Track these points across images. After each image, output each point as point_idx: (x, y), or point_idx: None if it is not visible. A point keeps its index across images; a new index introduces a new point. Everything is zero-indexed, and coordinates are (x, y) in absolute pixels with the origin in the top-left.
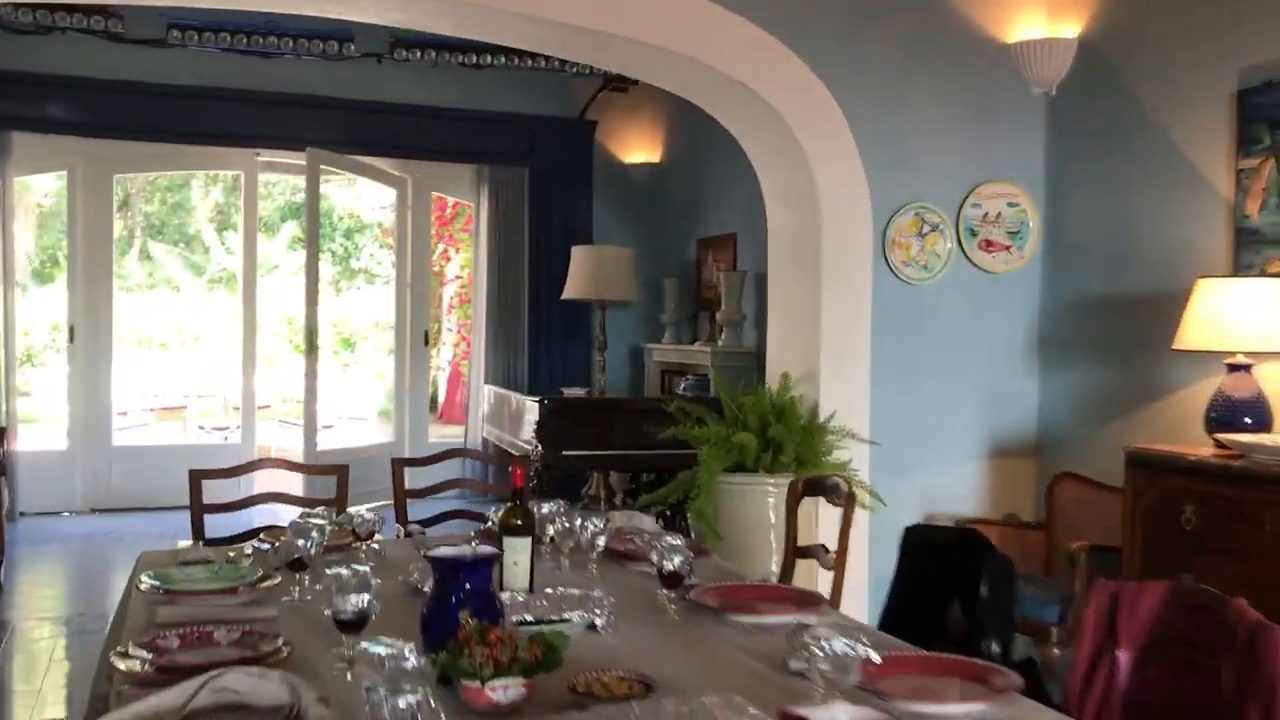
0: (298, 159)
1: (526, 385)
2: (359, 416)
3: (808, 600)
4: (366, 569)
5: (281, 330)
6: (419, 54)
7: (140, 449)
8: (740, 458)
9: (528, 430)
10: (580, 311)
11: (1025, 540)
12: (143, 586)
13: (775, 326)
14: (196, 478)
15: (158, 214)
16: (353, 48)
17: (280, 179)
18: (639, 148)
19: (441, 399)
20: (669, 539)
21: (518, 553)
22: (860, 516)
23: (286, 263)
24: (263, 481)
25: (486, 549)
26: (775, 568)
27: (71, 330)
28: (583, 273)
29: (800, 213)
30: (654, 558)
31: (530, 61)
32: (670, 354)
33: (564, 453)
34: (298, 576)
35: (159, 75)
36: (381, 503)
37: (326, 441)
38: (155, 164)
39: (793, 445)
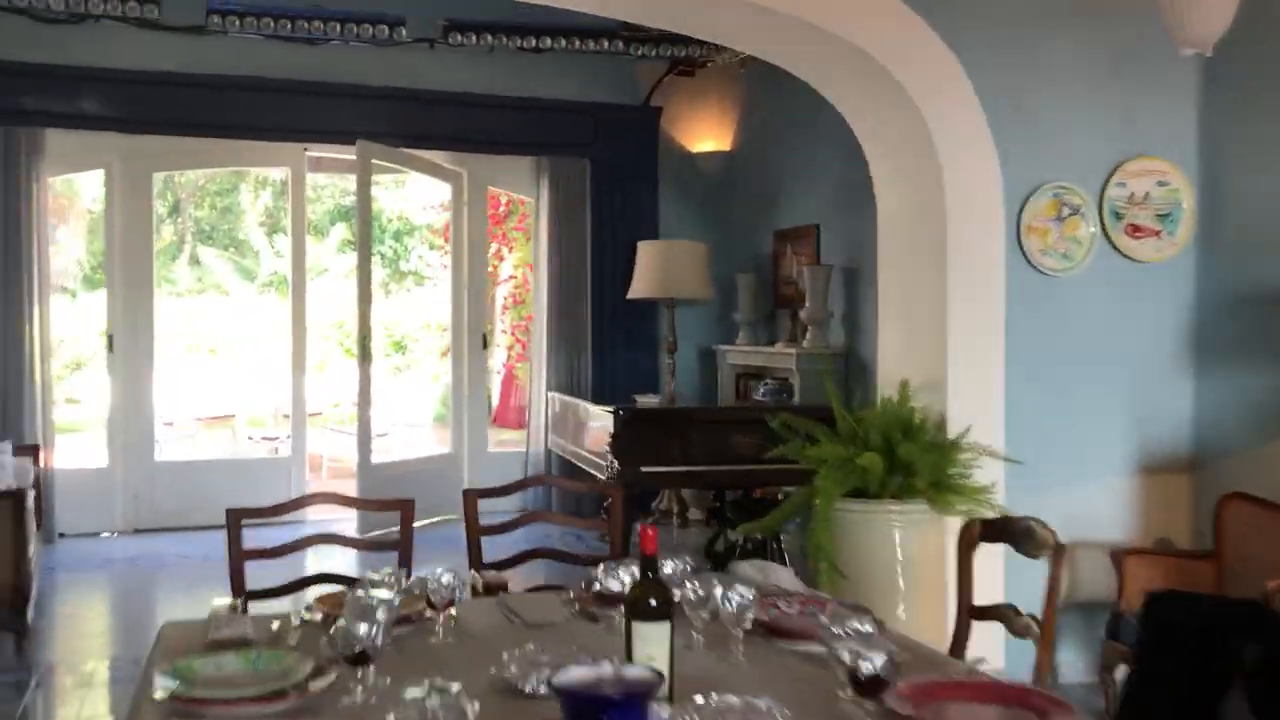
0: (347, 153)
1: (590, 391)
2: (414, 423)
3: (1055, 710)
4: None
5: (331, 334)
6: (474, 38)
7: (184, 465)
8: (862, 481)
9: (599, 443)
10: (646, 312)
11: (1187, 571)
12: (158, 694)
13: (889, 327)
14: (235, 520)
15: (207, 219)
16: (404, 32)
17: (329, 182)
18: (707, 135)
19: (495, 402)
20: (854, 622)
21: (652, 644)
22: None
23: (336, 266)
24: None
25: (638, 675)
26: (902, 614)
27: (110, 339)
28: (650, 270)
29: (921, 196)
30: (842, 655)
31: (592, 44)
32: (746, 356)
33: (643, 469)
34: (360, 674)
35: (199, 65)
36: (441, 518)
37: (381, 451)
38: (197, 160)
39: (926, 467)
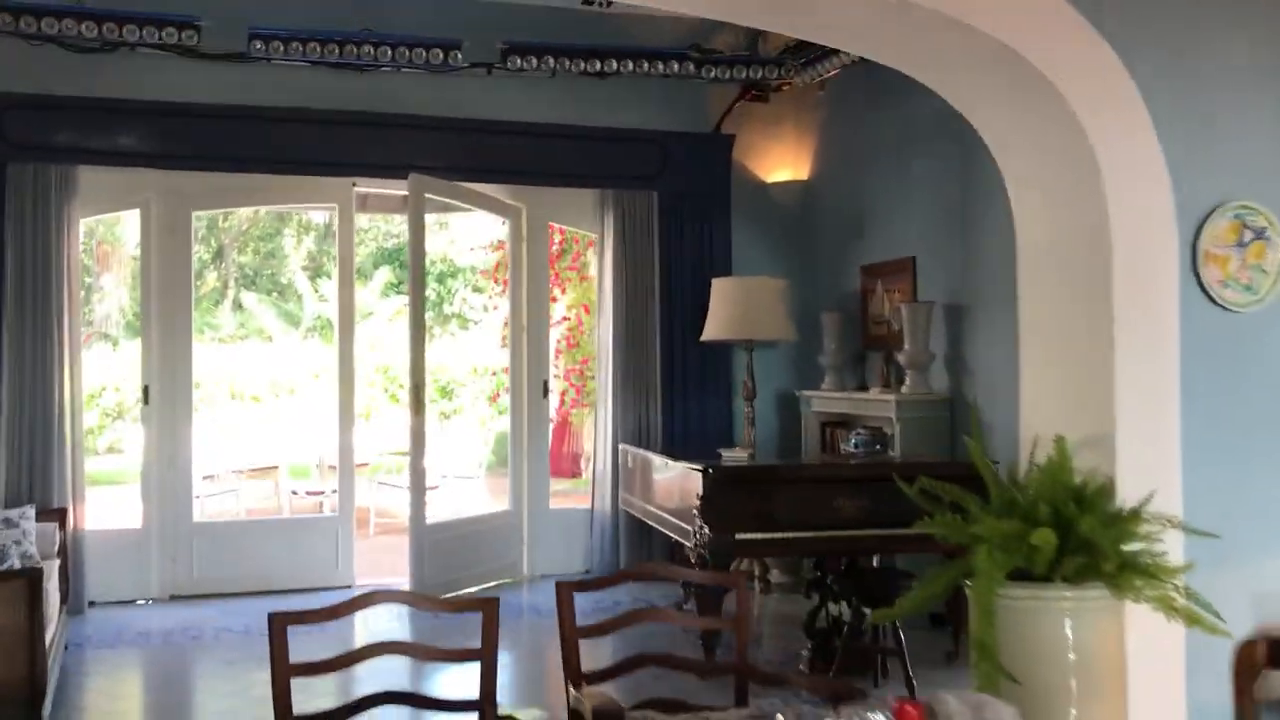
0: (398, 188)
1: (659, 441)
2: (464, 474)
3: None
4: None
5: (377, 380)
6: (534, 62)
7: (224, 526)
8: (1027, 562)
9: (682, 504)
10: (720, 355)
11: None
12: None
13: (1034, 375)
14: (280, 627)
15: (251, 264)
16: (460, 56)
17: (372, 225)
18: (783, 164)
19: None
20: None
21: None
22: (1167, 632)
23: (380, 310)
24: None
25: None
26: None
27: (146, 391)
28: (726, 309)
29: (1079, 222)
30: None
31: (661, 67)
32: (833, 403)
33: (737, 536)
34: None
35: (240, 96)
36: (500, 581)
37: (434, 508)
38: (239, 198)
39: (1109, 544)
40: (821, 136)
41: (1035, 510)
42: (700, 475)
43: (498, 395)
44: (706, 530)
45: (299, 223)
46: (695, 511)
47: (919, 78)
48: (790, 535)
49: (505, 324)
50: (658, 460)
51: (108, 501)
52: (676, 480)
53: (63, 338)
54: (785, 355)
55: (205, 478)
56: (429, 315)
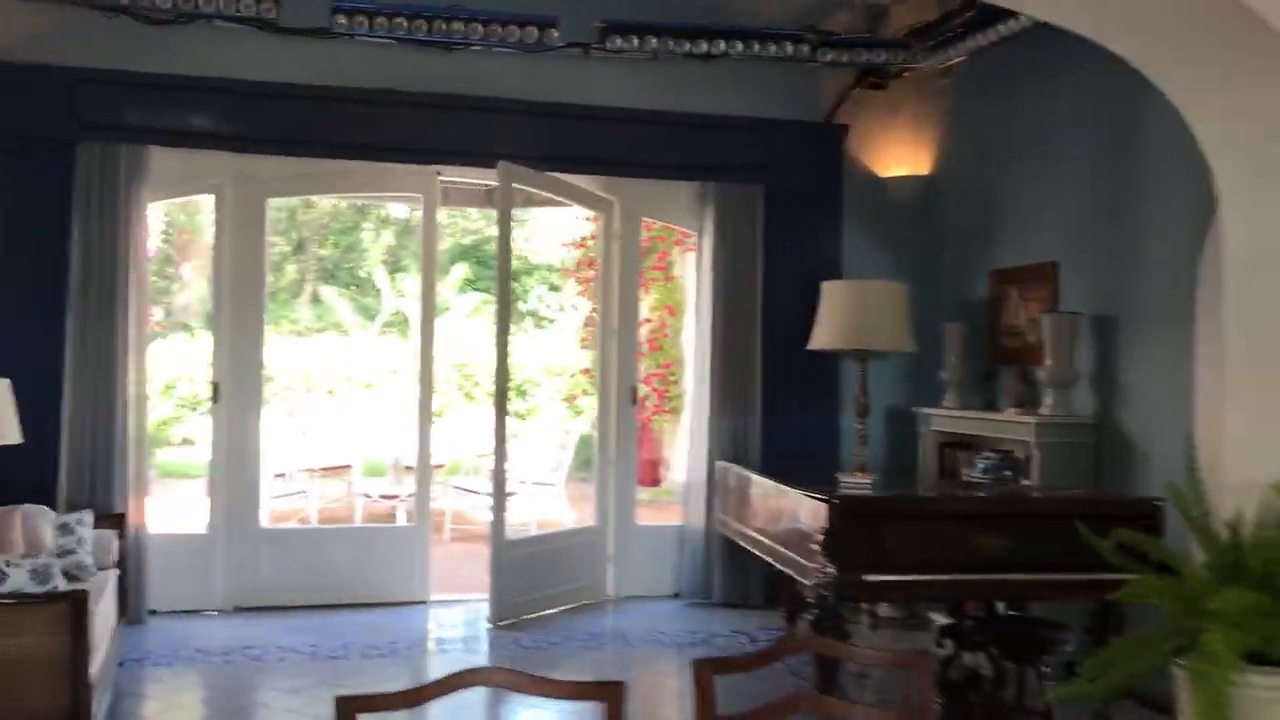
0: (484, 177)
1: (758, 458)
2: (543, 481)
3: None
4: None
5: (452, 377)
6: (634, 42)
7: (292, 533)
8: (1264, 642)
9: (797, 534)
10: (826, 366)
11: None
12: None
13: (1244, 409)
14: (348, 714)
15: (330, 257)
16: (555, 35)
17: (450, 220)
18: (901, 158)
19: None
20: None
21: None
22: None
23: (456, 306)
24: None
25: None
26: None
27: (215, 389)
28: (839, 315)
29: None
30: None
31: (772, 48)
32: (955, 422)
33: (864, 578)
34: None
35: (321, 76)
36: (582, 603)
37: (513, 515)
38: (317, 185)
39: None
40: (946, 128)
41: (1274, 577)
42: (824, 506)
43: (575, 397)
44: (831, 569)
45: (378, 216)
46: (816, 547)
47: (1112, 46)
48: (926, 578)
49: (584, 324)
50: (768, 484)
51: (174, 501)
52: (791, 509)
53: (129, 329)
54: (897, 368)
55: (276, 475)
56: None
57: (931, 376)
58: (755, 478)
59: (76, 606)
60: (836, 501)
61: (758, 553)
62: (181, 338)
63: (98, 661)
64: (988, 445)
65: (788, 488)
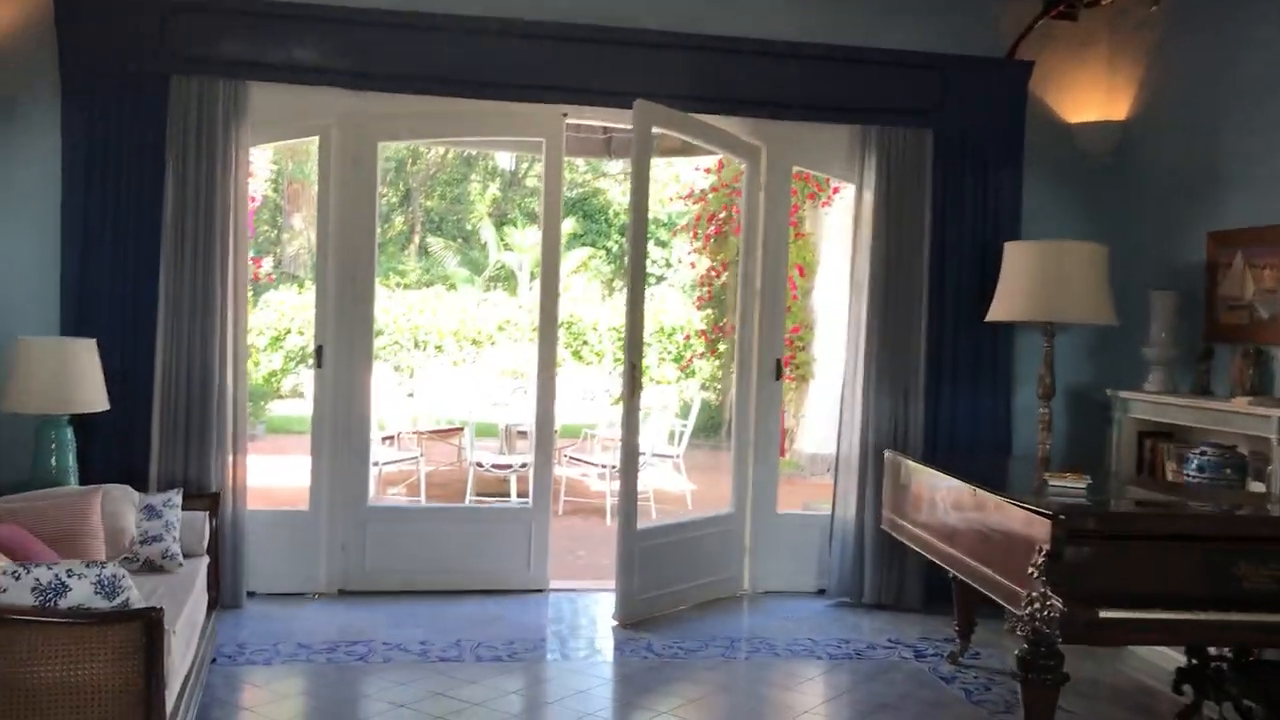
0: (614, 118)
1: (919, 443)
2: (662, 453)
3: None
4: None
5: (560, 334)
6: None
7: (401, 512)
8: None
9: (1002, 552)
10: (999, 339)
11: None
12: None
13: None
14: None
15: (437, 209)
16: None
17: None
18: (1093, 100)
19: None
20: None
21: None
22: None
23: (564, 262)
24: None
25: None
26: None
27: (319, 352)
28: (1024, 281)
29: None
30: None
31: None
32: (1162, 410)
33: (1101, 615)
34: None
35: (441, 3)
36: (716, 597)
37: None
38: (432, 127)
39: None
40: (1150, 65)
41: None
42: (1046, 521)
43: (689, 360)
44: (1055, 601)
45: (485, 168)
46: (1033, 571)
47: None
48: (1179, 617)
49: (700, 283)
50: (955, 485)
51: (281, 464)
52: (996, 520)
53: (228, 283)
54: (1083, 343)
55: (385, 439)
56: (610, 269)
57: (1125, 354)
58: (937, 474)
59: (150, 630)
60: (1063, 517)
61: (939, 562)
62: (291, 290)
63: (177, 687)
64: (1202, 438)
65: (986, 493)
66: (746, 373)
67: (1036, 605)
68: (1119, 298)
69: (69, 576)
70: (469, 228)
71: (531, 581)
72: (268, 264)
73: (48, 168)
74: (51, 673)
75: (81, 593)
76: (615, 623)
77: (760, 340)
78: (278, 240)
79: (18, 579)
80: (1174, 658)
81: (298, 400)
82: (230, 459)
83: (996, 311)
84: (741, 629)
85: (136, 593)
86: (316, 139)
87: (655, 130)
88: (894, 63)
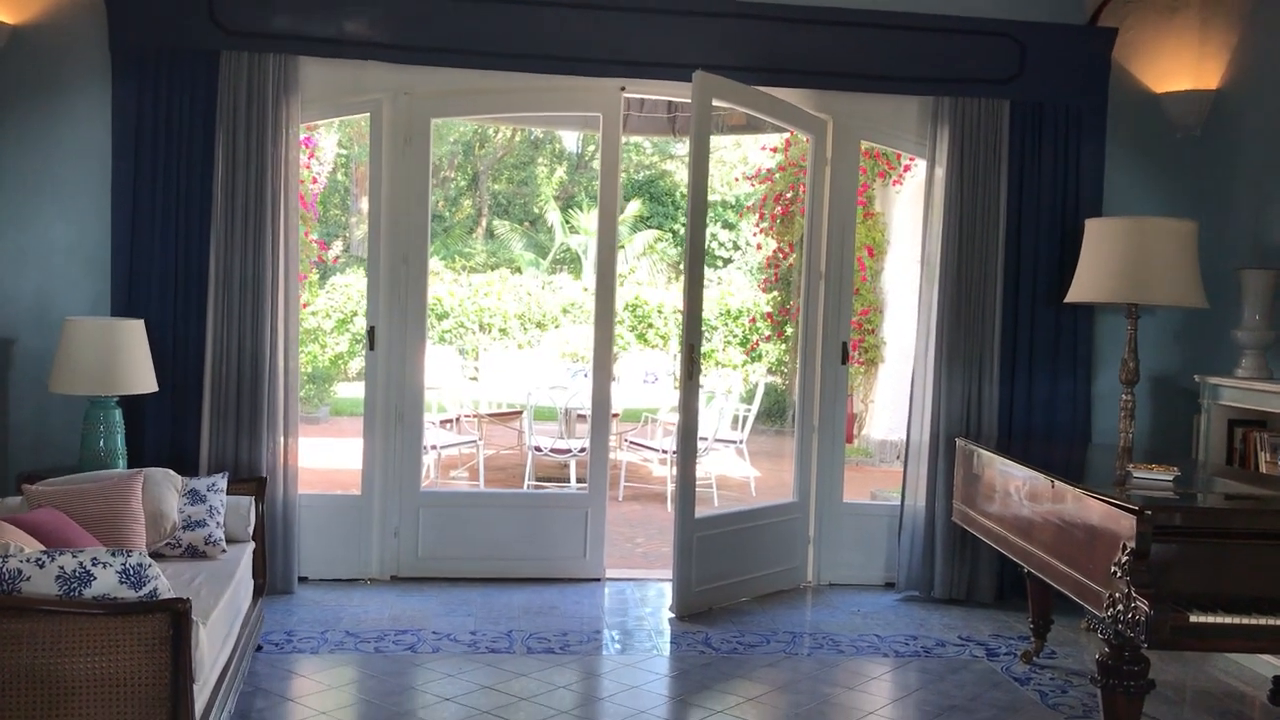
0: (673, 91)
1: (994, 430)
2: (726, 438)
3: None
4: None
5: (625, 317)
6: None
7: (454, 498)
8: None
9: (1082, 547)
10: (1080, 321)
11: None
12: None
13: None
14: None
15: (504, 192)
16: None
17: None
18: (1181, 69)
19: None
20: None
21: None
22: None
23: (630, 245)
24: None
25: None
26: None
27: (371, 333)
28: (1107, 261)
29: None
30: None
31: None
32: (1257, 397)
33: (1193, 619)
34: None
35: None
36: (779, 589)
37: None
38: (486, 103)
39: None
40: (1244, 31)
41: None
42: (1130, 516)
43: (755, 344)
44: (1141, 604)
45: (552, 151)
46: (1117, 571)
47: None
48: (1273, 621)
49: (767, 265)
50: (1032, 476)
51: (342, 447)
52: (1075, 514)
53: (279, 259)
54: (1169, 326)
55: (444, 422)
56: (674, 252)
57: (1215, 337)
58: (1012, 464)
59: (177, 619)
60: (1149, 513)
61: (1013, 557)
62: (358, 273)
63: (212, 678)
64: None
65: (1065, 484)
66: (811, 356)
67: (1119, 607)
68: (1208, 278)
69: (94, 565)
70: (535, 211)
71: (587, 570)
72: (337, 247)
73: (98, 146)
74: (76, 663)
75: (107, 582)
76: (672, 615)
77: (825, 322)
78: (346, 224)
79: (42, 567)
80: (1272, 663)
81: (362, 383)
82: (281, 442)
83: (1076, 292)
84: (804, 623)
85: (164, 582)
86: (368, 115)
87: (716, 103)
88: (969, 30)
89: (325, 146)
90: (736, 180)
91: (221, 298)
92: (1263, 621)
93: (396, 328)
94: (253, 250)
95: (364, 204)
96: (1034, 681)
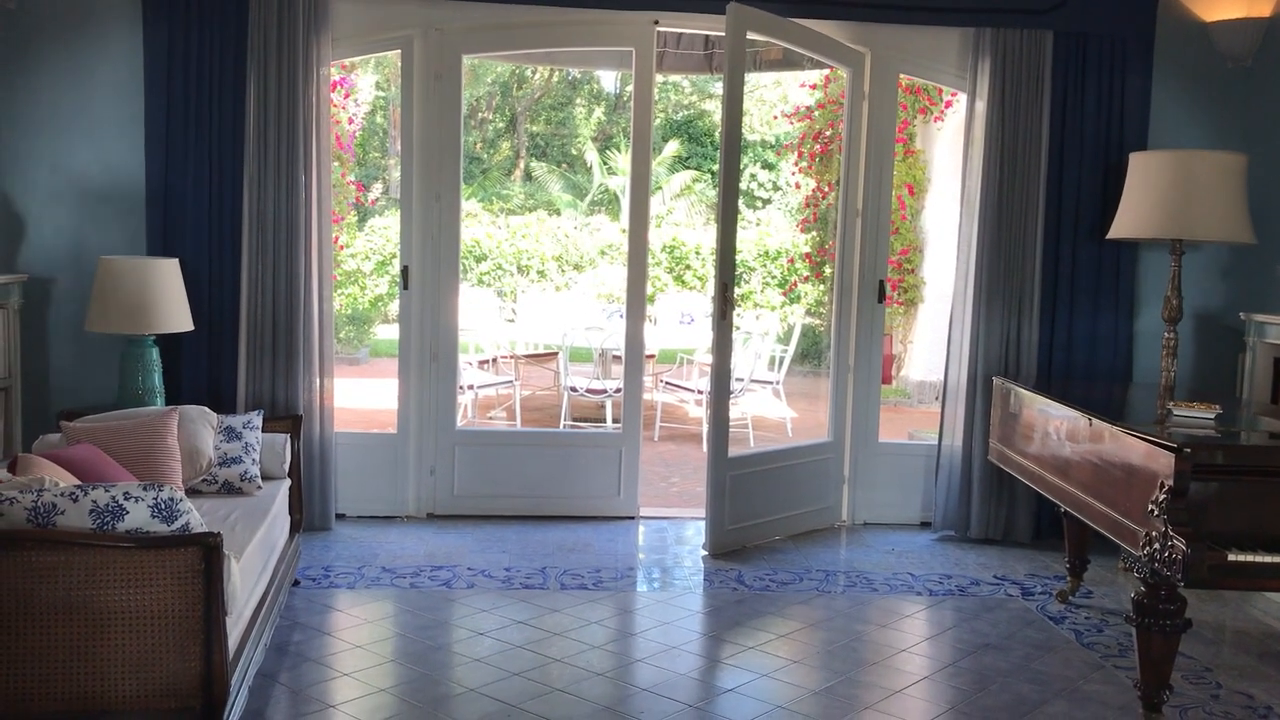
0: (707, 24)
1: (1033, 370)
2: (761, 378)
3: None
4: None
5: (662, 259)
6: None
7: (490, 436)
8: None
9: (1120, 486)
10: (1123, 257)
11: None
12: None
13: None
14: None
15: (543, 134)
16: None
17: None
18: None
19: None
20: None
21: None
22: None
23: (668, 185)
24: None
25: None
26: None
27: (404, 273)
28: (1153, 195)
29: None
30: None
31: None
32: None
33: (1231, 558)
34: None
35: None
36: (813, 529)
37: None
38: (518, 39)
39: None
40: None
41: None
42: (1169, 454)
43: (794, 285)
44: (1178, 542)
45: (590, 91)
46: (1154, 509)
47: None
48: None
49: (805, 204)
50: (1069, 414)
51: (381, 391)
52: (1113, 452)
53: (313, 200)
54: (1214, 262)
55: (482, 363)
56: (711, 192)
57: (1262, 274)
58: (1050, 403)
59: (209, 553)
60: (1188, 451)
61: (1050, 496)
62: (397, 215)
63: (247, 612)
64: None
65: (1104, 423)
66: (847, 295)
67: (1156, 546)
68: (1257, 213)
69: (126, 499)
70: (573, 152)
71: (621, 508)
72: (376, 190)
73: (131, 86)
74: (110, 596)
75: (139, 516)
76: (705, 553)
77: (862, 260)
78: (384, 167)
79: (75, 501)
80: None
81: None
82: (317, 381)
83: (1120, 228)
84: (838, 562)
85: (197, 516)
86: (399, 53)
87: (750, 36)
88: None
89: (362, 88)
90: (775, 119)
91: (256, 237)
92: None
93: (430, 267)
94: (286, 190)
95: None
96: (1069, 620)
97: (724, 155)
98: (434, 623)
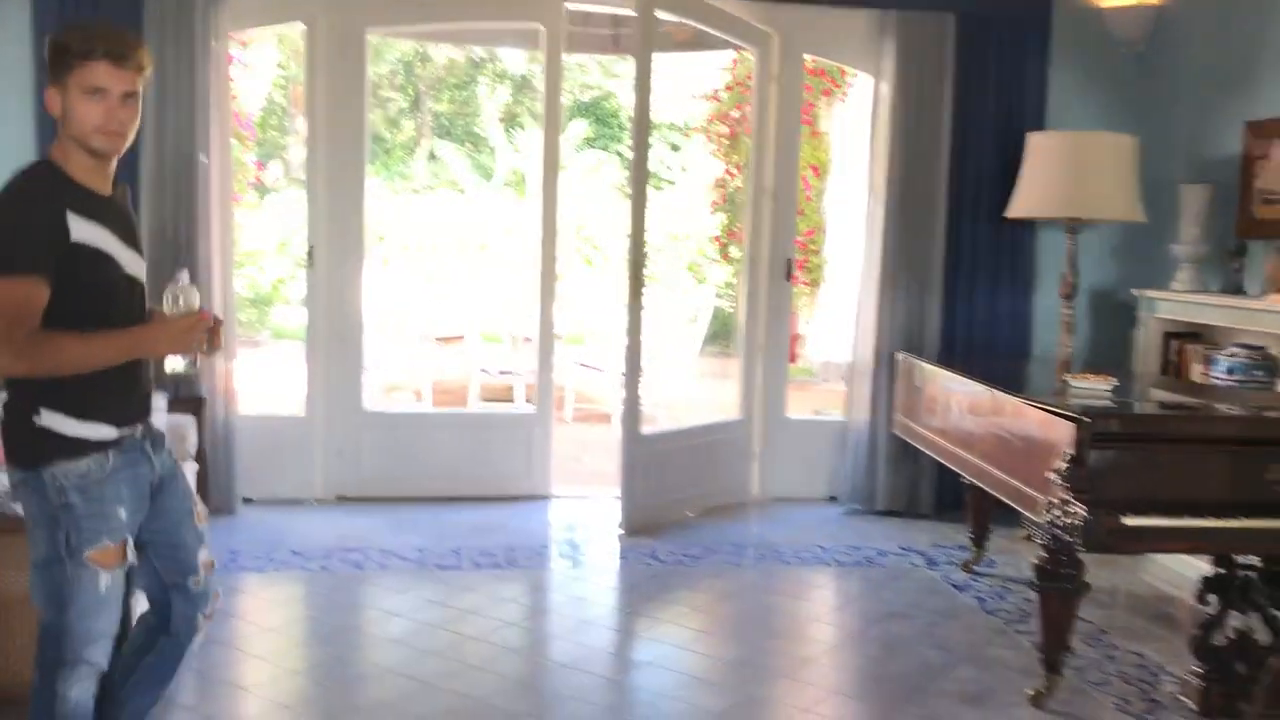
0: (615, 3)
1: (935, 345)
2: (673, 360)
3: None
4: None
5: (570, 240)
6: None
7: (398, 419)
8: None
9: (1021, 458)
10: (1018, 237)
11: None
12: None
13: None
14: None
15: (446, 113)
16: None
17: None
18: None
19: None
20: None
21: None
22: None
23: (575, 165)
24: None
25: None
26: None
27: (310, 253)
28: (1048, 176)
29: None
30: None
31: None
32: (1191, 310)
33: (1126, 522)
34: None
35: None
36: (724, 503)
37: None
38: (423, 13)
39: None
40: None
41: None
42: (1068, 424)
43: (702, 267)
44: (1078, 509)
45: (495, 70)
46: (1054, 477)
47: None
48: (1209, 525)
49: (715, 186)
50: (973, 387)
51: (282, 372)
52: (1014, 423)
53: (210, 179)
54: (1107, 241)
55: (390, 344)
56: (622, 175)
57: (1152, 252)
58: (953, 377)
59: None
60: (1087, 420)
61: (953, 467)
62: (299, 193)
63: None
64: (1231, 338)
65: (1005, 395)
66: (755, 274)
67: (1057, 512)
68: (1148, 193)
69: None
70: (478, 132)
71: (534, 488)
72: (276, 169)
73: (19, 58)
74: (10, 580)
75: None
76: (620, 530)
77: (771, 240)
78: (284, 145)
79: None
80: (1198, 566)
81: (303, 308)
82: (220, 364)
83: (1017, 207)
84: (749, 536)
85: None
86: (302, 26)
87: (660, 15)
88: None
89: (264, 66)
90: (684, 101)
91: (153, 219)
92: (1192, 524)
93: (336, 247)
94: (184, 169)
95: (300, 123)
96: (972, 589)
97: (636, 139)
98: (346, 604)
